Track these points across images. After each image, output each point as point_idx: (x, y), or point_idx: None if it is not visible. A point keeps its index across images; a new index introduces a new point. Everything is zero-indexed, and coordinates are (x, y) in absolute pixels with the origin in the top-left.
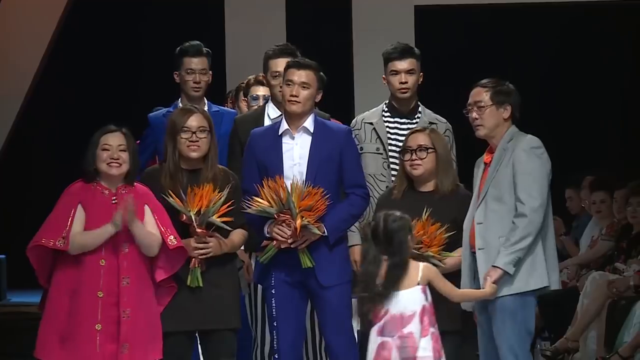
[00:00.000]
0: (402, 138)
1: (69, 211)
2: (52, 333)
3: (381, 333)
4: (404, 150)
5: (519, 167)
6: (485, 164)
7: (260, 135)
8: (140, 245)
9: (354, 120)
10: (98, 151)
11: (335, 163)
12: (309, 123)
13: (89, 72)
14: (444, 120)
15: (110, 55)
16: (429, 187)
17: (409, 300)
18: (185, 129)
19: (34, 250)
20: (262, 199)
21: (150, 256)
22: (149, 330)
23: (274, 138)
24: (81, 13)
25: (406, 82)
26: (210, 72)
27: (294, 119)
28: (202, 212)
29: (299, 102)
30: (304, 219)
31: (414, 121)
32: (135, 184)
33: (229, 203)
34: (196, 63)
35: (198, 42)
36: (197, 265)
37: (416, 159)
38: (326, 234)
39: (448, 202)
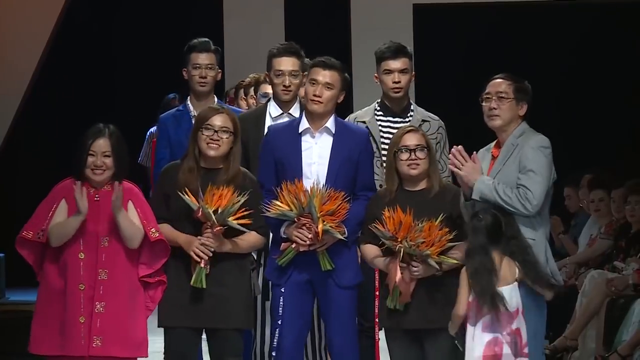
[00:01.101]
0: None
1: (51, 206)
2: (43, 327)
3: (490, 329)
4: (399, 149)
5: (527, 163)
6: (493, 156)
7: (280, 131)
8: (123, 236)
9: (346, 119)
10: (85, 155)
11: (353, 164)
12: (330, 123)
13: (87, 70)
14: (436, 117)
15: (108, 54)
16: (420, 186)
17: (512, 296)
18: (209, 126)
19: (21, 245)
20: (281, 202)
21: (133, 249)
22: (128, 326)
23: (293, 135)
24: (79, 12)
25: (399, 82)
26: (219, 69)
27: (315, 118)
28: (220, 212)
29: (321, 103)
30: (325, 223)
31: (407, 120)
32: (123, 181)
33: (246, 201)
34: (203, 58)
35: (206, 39)
36: (202, 266)
37: (415, 159)
38: (347, 237)
39: (440, 200)
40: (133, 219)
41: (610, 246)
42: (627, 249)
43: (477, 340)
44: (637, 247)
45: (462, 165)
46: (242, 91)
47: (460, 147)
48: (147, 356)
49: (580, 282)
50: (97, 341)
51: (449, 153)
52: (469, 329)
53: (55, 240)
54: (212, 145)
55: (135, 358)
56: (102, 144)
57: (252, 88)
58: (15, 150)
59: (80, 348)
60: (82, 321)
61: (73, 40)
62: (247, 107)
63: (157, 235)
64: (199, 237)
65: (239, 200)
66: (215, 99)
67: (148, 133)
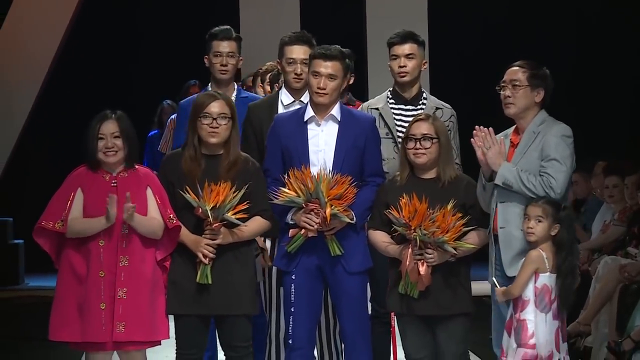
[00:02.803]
0: (407, 124)
1: (68, 195)
2: (63, 314)
3: (558, 318)
4: (407, 137)
5: (550, 152)
6: (512, 143)
7: (285, 120)
8: (145, 234)
9: (359, 108)
10: (95, 140)
11: (360, 150)
12: (336, 111)
13: (104, 59)
14: (448, 106)
15: (126, 43)
16: (431, 174)
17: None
18: (206, 114)
19: (39, 233)
20: (288, 189)
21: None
22: (149, 310)
23: (299, 124)
24: (96, 2)
25: (405, 66)
26: (241, 57)
27: (321, 107)
28: (217, 208)
29: (327, 94)
30: (333, 207)
31: (419, 107)
32: (137, 166)
33: (246, 193)
34: (224, 46)
35: (228, 27)
36: (207, 264)
37: (420, 148)
38: (355, 221)
39: (453, 188)
40: (152, 205)
41: (624, 233)
42: None
43: (549, 326)
44: None
45: (490, 147)
46: (259, 79)
47: (490, 129)
48: (168, 338)
49: (594, 268)
50: (120, 327)
51: (461, 140)
52: (539, 314)
53: (73, 234)
54: (212, 132)
55: (158, 341)
56: (110, 126)
57: (268, 76)
58: (33, 139)
59: (101, 334)
60: (103, 307)
61: (91, 29)
62: (264, 95)
63: (175, 221)
64: (203, 236)
65: (236, 195)
66: (235, 86)
67: (168, 120)
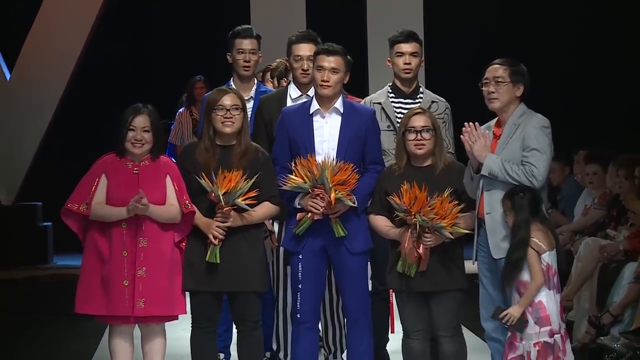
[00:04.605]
0: None
1: (93, 180)
2: (88, 289)
3: (558, 290)
4: (406, 129)
5: (531, 143)
6: (495, 135)
7: (292, 113)
8: (164, 221)
9: (362, 102)
10: (126, 131)
11: (361, 140)
12: (339, 104)
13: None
14: (443, 99)
15: (144, 41)
16: (426, 162)
17: (552, 262)
18: (220, 106)
19: (66, 215)
20: (296, 176)
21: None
22: (167, 287)
23: (305, 116)
24: (117, 6)
25: (410, 64)
26: (261, 53)
27: (325, 100)
28: (229, 193)
29: (330, 86)
30: (337, 192)
31: (417, 101)
32: (160, 156)
33: (256, 182)
34: (246, 44)
35: (249, 26)
36: (217, 244)
37: (421, 139)
38: (357, 205)
39: (447, 175)
40: (170, 192)
41: (603, 216)
42: (618, 218)
43: (555, 300)
44: (628, 216)
45: (475, 140)
46: (268, 74)
47: (476, 123)
48: (185, 313)
49: (576, 248)
50: (141, 303)
51: (455, 131)
52: (548, 292)
53: (96, 218)
54: (227, 123)
55: (176, 315)
56: (141, 120)
57: (269, 74)
58: (60, 130)
59: (124, 308)
60: (126, 284)
61: (112, 29)
62: (273, 89)
63: (190, 207)
64: (214, 218)
65: (247, 182)
66: (255, 81)
67: (177, 113)
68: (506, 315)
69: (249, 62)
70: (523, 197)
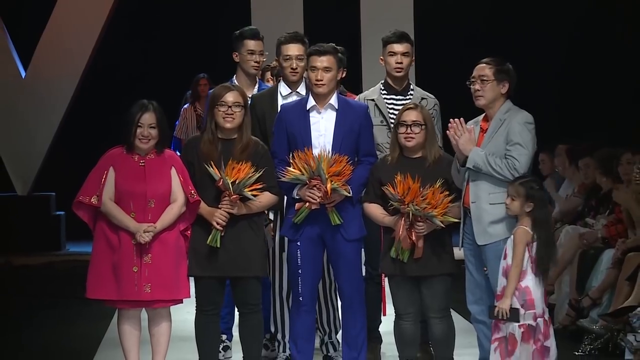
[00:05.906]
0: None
1: (102, 173)
2: (98, 275)
3: (543, 276)
4: (398, 123)
5: (514, 137)
6: (482, 129)
7: (290, 109)
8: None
9: (356, 98)
10: (134, 128)
11: (355, 134)
12: (333, 100)
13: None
14: (432, 96)
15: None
16: (417, 154)
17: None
18: (223, 103)
19: (78, 207)
20: (294, 168)
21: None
22: (172, 273)
23: (302, 112)
24: (126, 7)
25: (401, 63)
26: (266, 53)
27: (321, 97)
28: (237, 183)
29: (324, 84)
30: (333, 182)
31: (407, 98)
32: (165, 150)
33: (261, 175)
34: (255, 45)
35: (255, 27)
36: (219, 229)
37: (410, 133)
38: (351, 194)
39: (437, 167)
40: (175, 183)
41: (580, 204)
42: (597, 207)
43: (540, 287)
44: (606, 205)
45: (460, 135)
46: (268, 73)
47: (462, 119)
48: (189, 297)
49: (557, 235)
50: (147, 288)
51: (443, 126)
52: (534, 278)
53: (106, 213)
54: (228, 118)
55: (180, 299)
56: (148, 117)
57: (269, 72)
58: (72, 125)
59: (133, 293)
60: (135, 270)
61: (120, 30)
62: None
63: (195, 197)
64: (220, 205)
65: (255, 174)
66: (257, 79)
67: (181, 110)
68: (498, 311)
69: (258, 62)
70: (539, 189)
